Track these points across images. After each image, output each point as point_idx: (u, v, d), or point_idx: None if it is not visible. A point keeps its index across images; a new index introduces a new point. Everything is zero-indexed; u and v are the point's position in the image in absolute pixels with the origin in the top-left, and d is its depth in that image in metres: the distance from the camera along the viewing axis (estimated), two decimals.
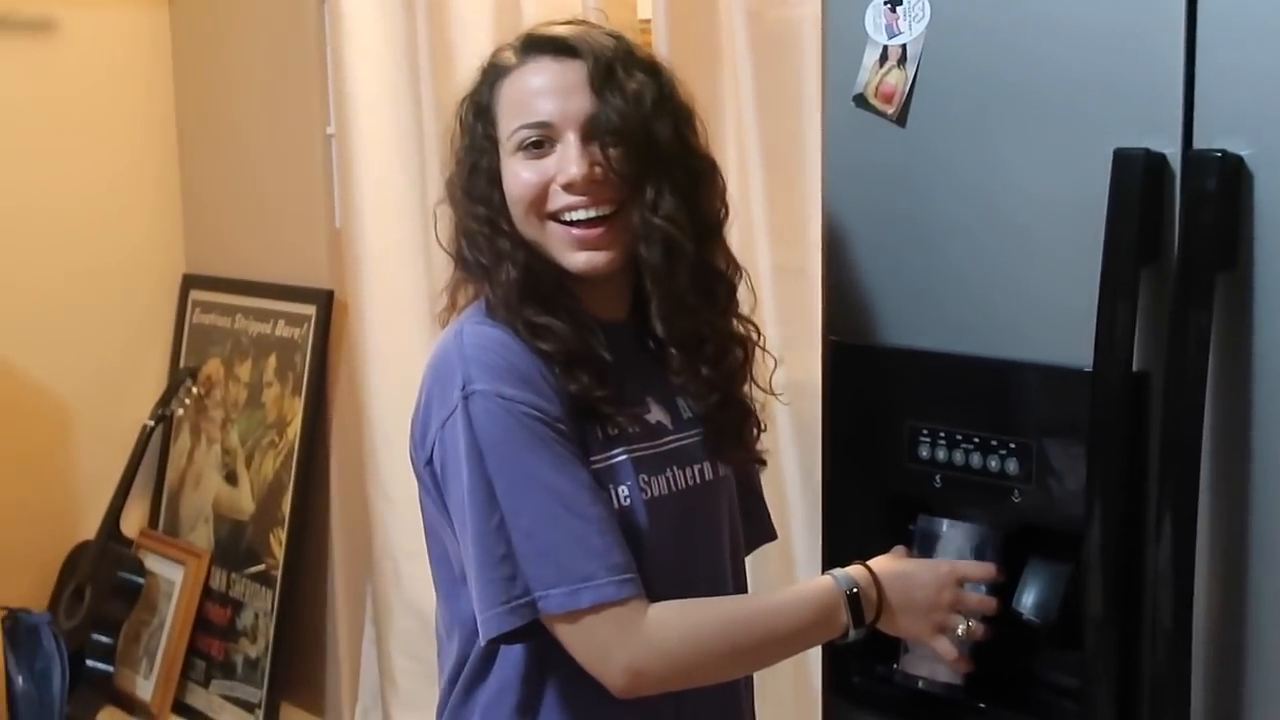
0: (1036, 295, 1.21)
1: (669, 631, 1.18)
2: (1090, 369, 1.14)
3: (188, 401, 3.11)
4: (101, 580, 2.96)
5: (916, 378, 1.31)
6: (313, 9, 2.77)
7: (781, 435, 1.90)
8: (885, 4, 1.28)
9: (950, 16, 1.25)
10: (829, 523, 1.42)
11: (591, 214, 1.22)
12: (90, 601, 2.94)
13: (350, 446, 2.77)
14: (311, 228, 2.88)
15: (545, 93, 1.22)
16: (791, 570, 1.92)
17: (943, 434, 1.28)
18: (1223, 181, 1.06)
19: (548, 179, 1.22)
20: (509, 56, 1.26)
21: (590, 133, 1.21)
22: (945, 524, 1.30)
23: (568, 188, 1.21)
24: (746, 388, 1.35)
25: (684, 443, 1.30)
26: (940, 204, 1.28)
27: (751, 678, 1.40)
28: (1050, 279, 1.20)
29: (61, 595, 3.03)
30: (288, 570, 2.85)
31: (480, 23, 2.28)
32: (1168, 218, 1.11)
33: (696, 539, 1.30)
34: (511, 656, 1.24)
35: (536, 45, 1.25)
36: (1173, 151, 1.10)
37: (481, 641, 1.20)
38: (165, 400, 3.11)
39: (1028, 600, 1.25)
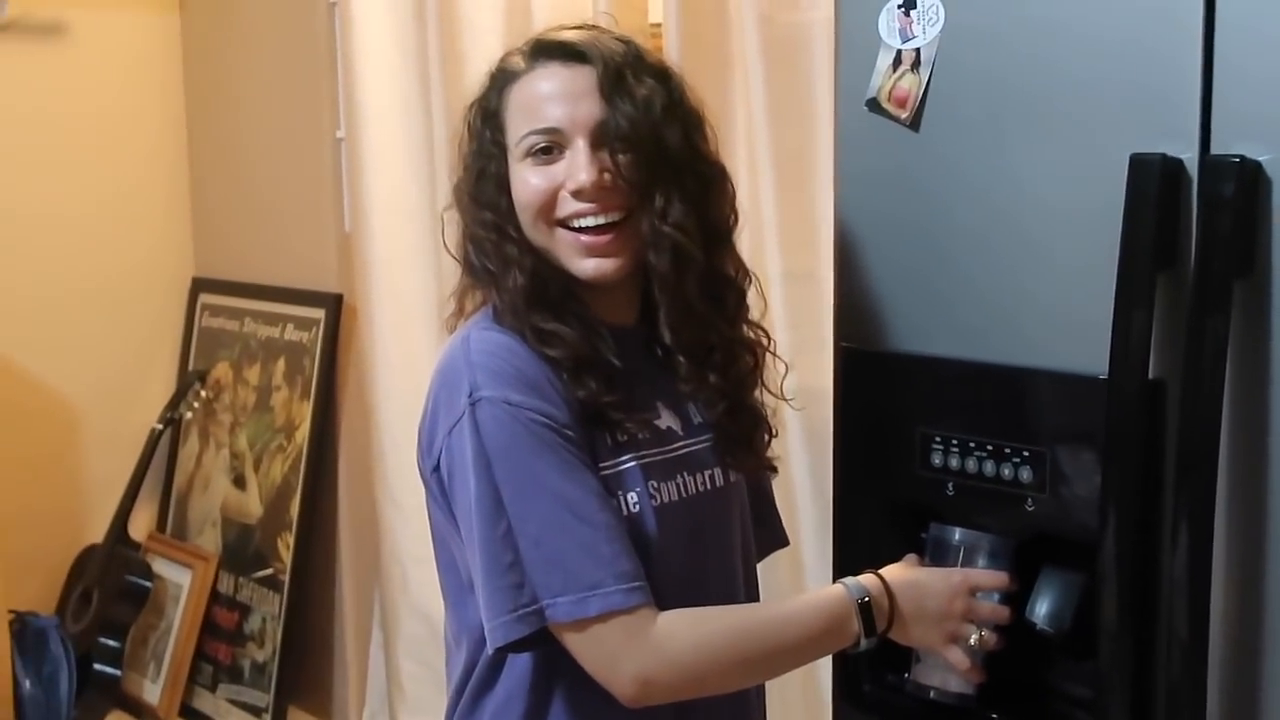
0: (1051, 301, 1.20)
1: (678, 640, 1.17)
2: (1105, 376, 1.13)
3: (196, 405, 3.12)
4: (109, 584, 2.96)
5: (929, 384, 1.30)
6: (323, 13, 2.77)
7: (792, 441, 1.89)
8: (899, 8, 1.27)
9: (964, 20, 1.24)
10: (840, 530, 1.41)
11: (600, 221, 1.21)
12: (98, 605, 2.94)
13: (359, 450, 2.77)
14: (321, 232, 2.88)
15: (554, 98, 1.22)
16: (802, 577, 1.91)
17: (955, 441, 1.27)
18: (1240, 187, 1.05)
19: (557, 185, 1.21)
20: (518, 62, 1.26)
21: (600, 139, 1.21)
22: (958, 532, 1.29)
23: (577, 194, 1.21)
24: (757, 394, 1.34)
25: (694, 448, 1.30)
26: (954, 209, 1.27)
27: (763, 686, 1.39)
28: (1065, 285, 1.19)
29: (69, 599, 3.04)
30: (295, 574, 2.85)
31: (490, 27, 2.28)
32: (1184, 223, 1.10)
33: (707, 545, 1.29)
34: (519, 665, 1.24)
35: (545, 50, 1.24)
36: (1190, 156, 1.09)
37: (489, 650, 1.20)
38: (174, 404, 3.11)
39: (1041, 609, 1.24)
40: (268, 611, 2.90)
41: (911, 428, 1.30)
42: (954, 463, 1.27)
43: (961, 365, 1.26)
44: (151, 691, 3.00)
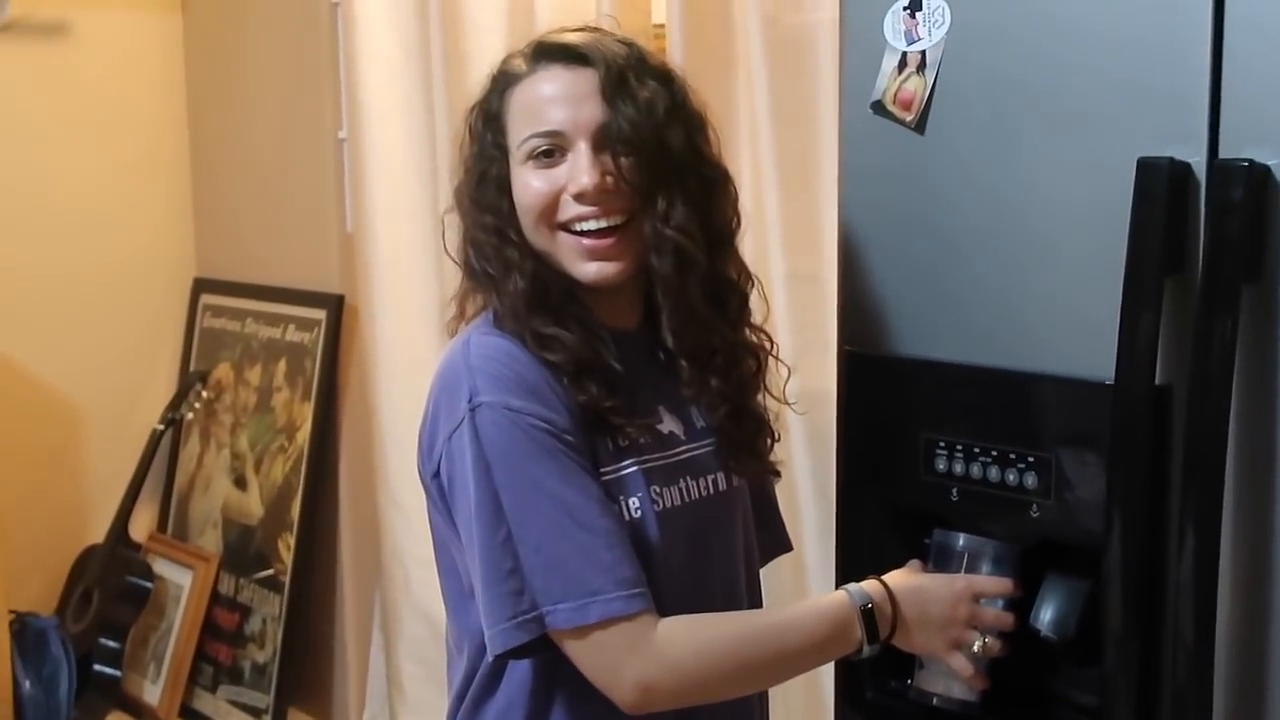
0: (1057, 306, 1.19)
1: (679, 647, 1.16)
2: (1112, 382, 1.12)
3: (197, 405, 3.11)
4: (110, 584, 2.95)
5: (933, 389, 1.29)
6: (325, 13, 2.77)
7: (794, 444, 1.89)
8: (905, 9, 1.26)
9: (970, 23, 1.23)
10: (843, 536, 1.41)
11: (602, 224, 1.21)
12: (98, 606, 2.94)
13: (360, 451, 2.76)
14: (323, 232, 2.88)
15: (556, 101, 1.21)
16: (804, 582, 1.91)
17: (960, 447, 1.26)
18: (1249, 191, 1.04)
19: (558, 188, 1.21)
20: (519, 64, 1.25)
21: (602, 142, 1.20)
22: (961, 538, 1.28)
23: (579, 198, 1.20)
24: (760, 398, 1.34)
25: (697, 453, 1.29)
26: (959, 213, 1.26)
27: (765, 693, 1.38)
28: (1071, 290, 1.18)
29: (69, 599, 3.03)
30: (296, 575, 2.85)
31: (493, 27, 2.28)
32: (1192, 228, 1.09)
33: (710, 550, 1.29)
34: (520, 671, 1.23)
35: (547, 53, 1.24)
36: (1198, 160, 1.08)
37: (489, 657, 1.19)
38: (175, 404, 3.11)
39: (1045, 616, 1.23)
40: (268, 612, 2.89)
41: (915, 433, 1.29)
42: (958, 468, 1.26)
43: (966, 370, 1.25)
44: (151, 692, 3.00)
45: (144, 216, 3.20)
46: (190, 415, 3.13)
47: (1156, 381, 1.11)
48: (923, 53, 1.25)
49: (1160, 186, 1.08)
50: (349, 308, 2.81)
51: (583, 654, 1.16)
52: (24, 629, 2.83)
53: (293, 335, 2.95)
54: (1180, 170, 1.08)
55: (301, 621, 2.88)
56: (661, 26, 2.04)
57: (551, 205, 1.21)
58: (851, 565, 1.36)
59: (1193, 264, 1.09)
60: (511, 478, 1.15)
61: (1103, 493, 1.14)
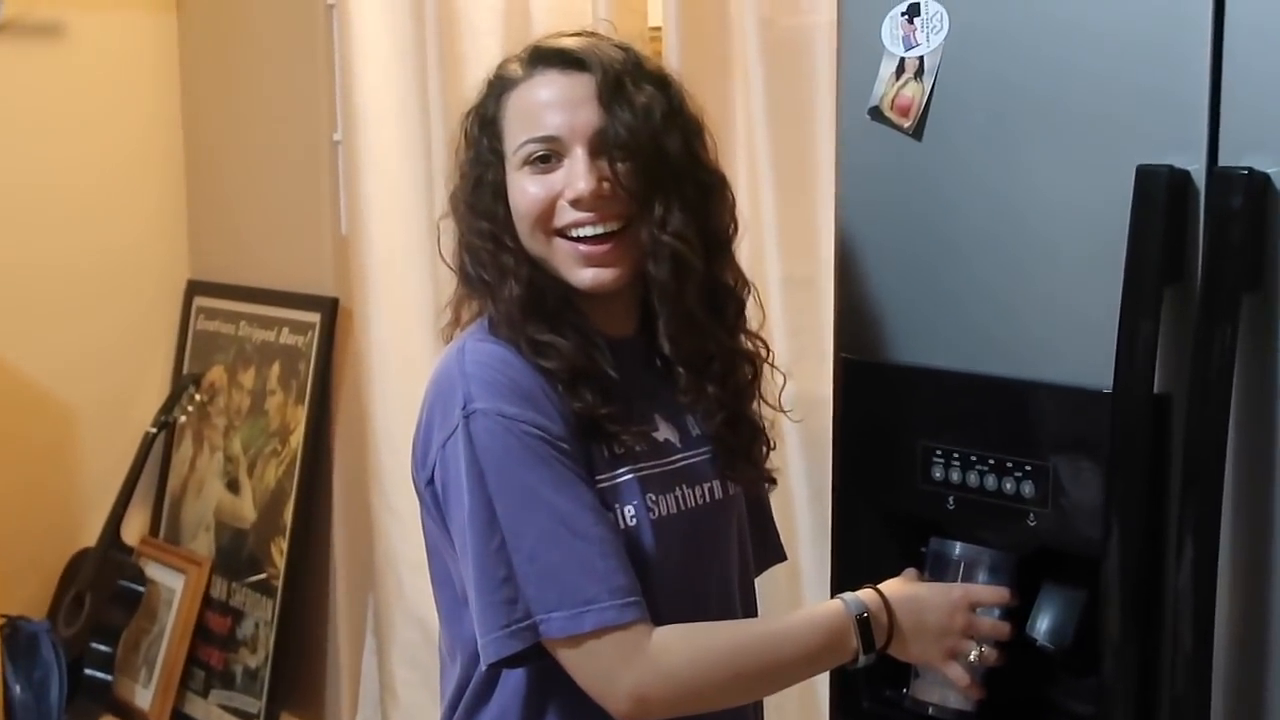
0: (1055, 315, 1.19)
1: (674, 656, 1.15)
2: (1110, 390, 1.11)
3: (190, 408, 3.10)
4: (101, 588, 2.94)
5: (930, 397, 1.29)
6: (320, 15, 2.76)
7: (790, 450, 1.88)
8: (903, 15, 1.26)
9: (969, 30, 1.22)
10: (838, 544, 1.40)
11: (599, 230, 1.20)
12: (90, 609, 2.93)
13: (353, 455, 2.75)
14: (317, 235, 2.87)
15: (553, 106, 1.20)
16: (800, 591, 1.90)
17: (956, 455, 1.25)
18: (1249, 199, 1.04)
19: (555, 194, 1.20)
20: (515, 69, 1.24)
21: (598, 147, 1.19)
22: (958, 546, 1.28)
23: (575, 203, 1.19)
24: (755, 405, 1.33)
25: (692, 461, 1.28)
26: (956, 220, 1.25)
27: (760, 703, 1.38)
28: (1070, 298, 1.17)
29: (61, 603, 3.02)
30: (289, 580, 2.84)
31: (489, 29, 2.27)
32: (1191, 236, 1.08)
33: (705, 559, 1.28)
34: (513, 680, 1.22)
35: (544, 58, 1.23)
36: (1197, 168, 1.08)
37: (483, 666, 1.18)
38: (168, 407, 3.10)
39: (1042, 625, 1.23)
40: (260, 617, 2.88)
41: (912, 441, 1.29)
42: (955, 476, 1.25)
43: (964, 378, 1.25)
44: (143, 697, 2.98)
45: (138, 218, 3.19)
46: (183, 418, 3.12)
47: (1155, 390, 1.10)
48: (921, 58, 1.25)
49: (1160, 194, 1.08)
50: (343, 311, 2.80)
51: (577, 663, 1.15)
52: (15, 633, 2.82)
53: (287, 338, 2.94)
54: (1180, 178, 1.08)
55: (294, 626, 2.87)
56: (658, 29, 2.03)
57: (548, 211, 1.20)
58: (847, 574, 1.35)
59: (1192, 272, 1.08)
60: (505, 485, 1.14)
61: (1100, 501, 1.14)
